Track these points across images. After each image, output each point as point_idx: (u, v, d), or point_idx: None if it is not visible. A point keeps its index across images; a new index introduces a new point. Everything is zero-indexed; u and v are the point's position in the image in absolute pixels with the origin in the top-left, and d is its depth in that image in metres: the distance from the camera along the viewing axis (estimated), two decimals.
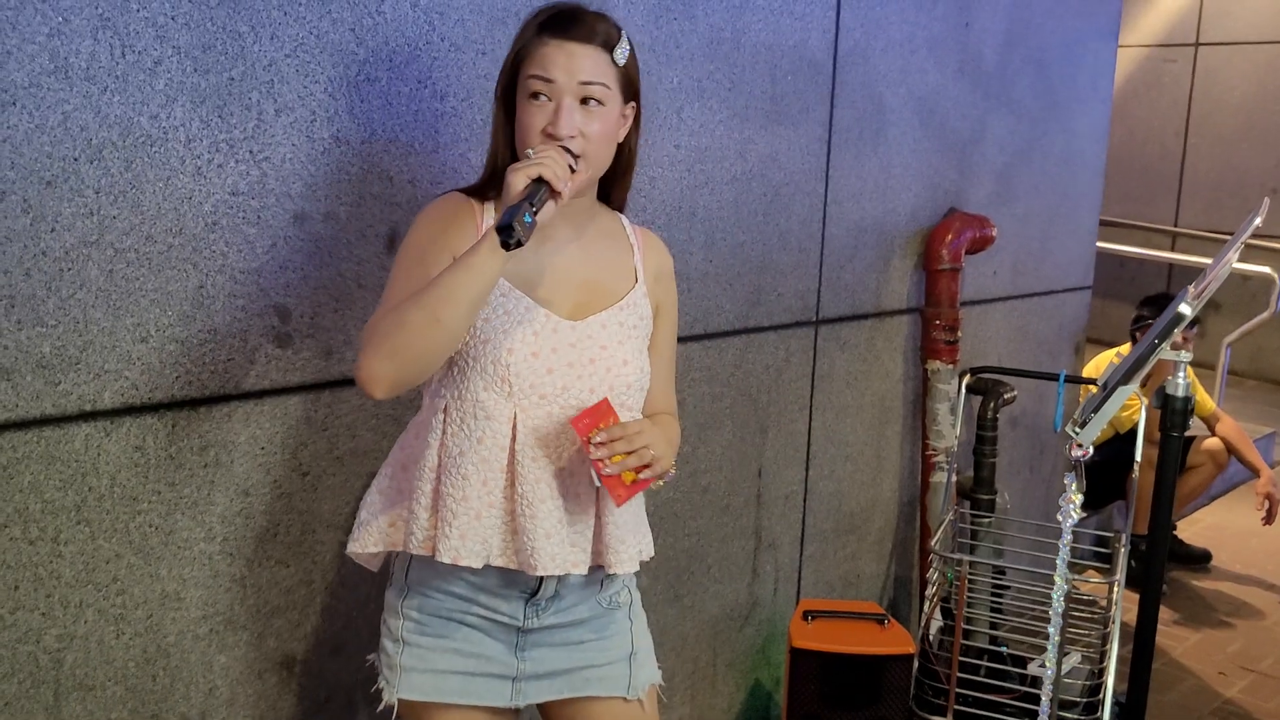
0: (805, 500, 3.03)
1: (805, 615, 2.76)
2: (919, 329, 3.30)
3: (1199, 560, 4.75)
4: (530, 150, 1.53)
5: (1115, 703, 2.76)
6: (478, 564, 1.57)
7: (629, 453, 1.52)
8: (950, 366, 3.24)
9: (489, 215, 1.62)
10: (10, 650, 1.64)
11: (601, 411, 1.54)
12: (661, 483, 1.62)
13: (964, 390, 3.27)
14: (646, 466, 1.55)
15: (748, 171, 2.65)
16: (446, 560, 1.56)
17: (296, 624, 1.96)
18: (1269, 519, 4.33)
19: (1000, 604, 3.18)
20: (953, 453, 3.26)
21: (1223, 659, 3.82)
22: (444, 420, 1.59)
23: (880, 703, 2.69)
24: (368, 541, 1.65)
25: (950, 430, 3.24)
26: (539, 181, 1.47)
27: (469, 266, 1.47)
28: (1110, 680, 2.75)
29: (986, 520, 3.24)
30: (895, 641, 2.71)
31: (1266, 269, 6.32)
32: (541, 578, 1.63)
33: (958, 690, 2.75)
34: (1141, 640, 2.40)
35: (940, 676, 2.82)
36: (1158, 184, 8.16)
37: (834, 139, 2.88)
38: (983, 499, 3.27)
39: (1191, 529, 5.09)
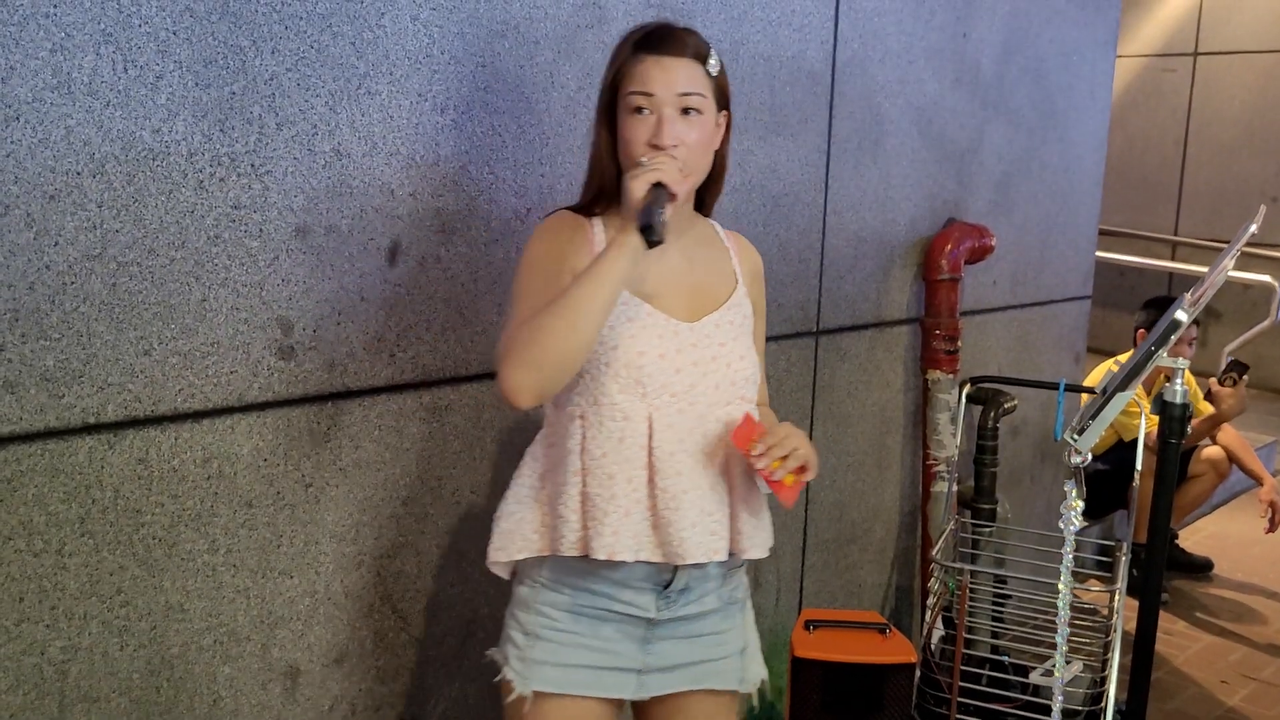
0: (806, 510, 3.03)
1: (807, 625, 2.76)
2: (919, 339, 3.30)
3: (1200, 569, 4.75)
4: (643, 160, 1.60)
5: (1117, 711, 2.76)
6: (631, 558, 1.64)
7: (784, 457, 1.61)
8: (950, 376, 3.25)
9: (599, 230, 1.71)
10: (15, 662, 1.64)
11: (750, 424, 1.64)
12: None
13: (964, 400, 3.27)
14: (804, 466, 1.64)
15: (747, 182, 2.66)
16: (602, 557, 1.62)
17: (300, 634, 1.97)
18: (1272, 527, 4.33)
19: (1002, 613, 3.18)
20: (953, 462, 3.26)
21: (1225, 667, 3.81)
22: (582, 426, 1.66)
23: (882, 712, 2.69)
24: (513, 550, 1.71)
25: (951, 440, 3.24)
26: (658, 186, 1.56)
27: (601, 274, 1.55)
28: (1112, 689, 2.75)
29: (988, 529, 3.24)
30: (897, 651, 2.70)
31: (1266, 278, 6.33)
32: (675, 570, 1.70)
33: (959, 699, 2.75)
34: (1141, 648, 2.40)
35: (942, 686, 2.82)
36: (1157, 193, 8.17)
37: (833, 150, 2.89)
38: (984, 508, 3.27)
39: (1193, 537, 5.08)
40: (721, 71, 1.72)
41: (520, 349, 1.53)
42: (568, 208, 1.75)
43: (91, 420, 1.67)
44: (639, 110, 1.64)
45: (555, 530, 1.68)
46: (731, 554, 1.73)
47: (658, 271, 1.70)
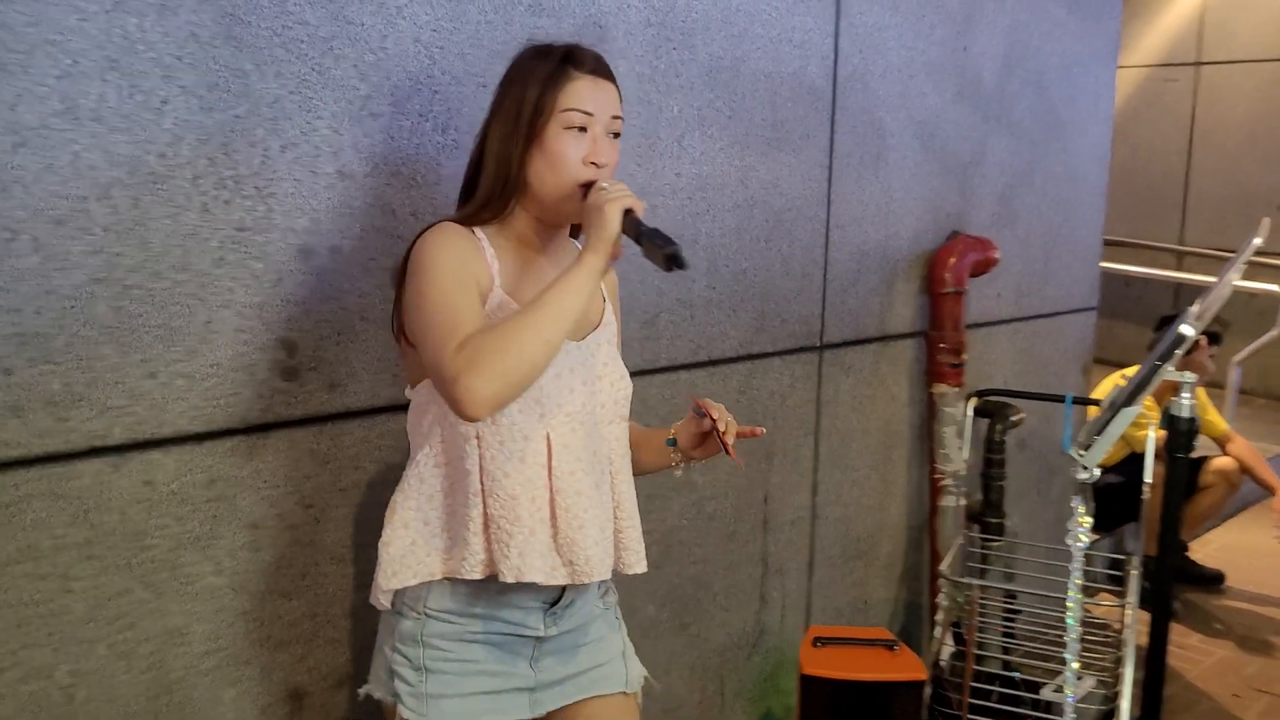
0: (813, 526, 3.02)
1: (815, 641, 2.75)
2: (924, 353, 3.30)
3: (1212, 581, 4.72)
4: (601, 184, 1.62)
5: None
6: (541, 579, 1.63)
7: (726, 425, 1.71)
8: (956, 389, 3.24)
9: (485, 242, 1.66)
10: (20, 687, 1.64)
11: (700, 405, 1.74)
12: None
13: (971, 413, 3.27)
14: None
15: (749, 198, 2.66)
16: (510, 579, 1.61)
17: (302, 657, 1.97)
18: None
19: (1012, 629, 3.16)
20: (960, 476, 3.25)
21: (1238, 681, 3.79)
22: (478, 446, 1.62)
23: None
24: (406, 576, 1.65)
25: (957, 454, 3.23)
26: (628, 213, 1.58)
27: (572, 289, 1.55)
28: (1125, 704, 2.73)
29: (996, 544, 3.23)
30: (907, 667, 2.69)
31: (1274, 287, 6.31)
32: (564, 587, 1.70)
33: (970, 716, 2.74)
34: (1154, 663, 2.39)
35: (952, 702, 2.80)
36: (1162, 203, 8.17)
37: (835, 164, 2.89)
38: (992, 522, 3.26)
39: (1204, 550, 5.06)
40: None
41: (489, 359, 1.48)
42: (448, 219, 1.69)
43: (96, 443, 1.68)
44: (579, 129, 1.64)
45: (454, 553, 1.64)
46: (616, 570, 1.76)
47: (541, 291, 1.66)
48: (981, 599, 2.92)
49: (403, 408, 2.03)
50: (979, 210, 3.48)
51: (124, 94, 1.64)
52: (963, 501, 3.26)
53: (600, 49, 1.77)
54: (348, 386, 1.95)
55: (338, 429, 1.95)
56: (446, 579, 1.66)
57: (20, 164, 1.56)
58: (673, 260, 1.52)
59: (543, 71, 1.64)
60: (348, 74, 1.88)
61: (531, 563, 1.62)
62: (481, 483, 1.62)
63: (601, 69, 1.67)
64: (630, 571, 1.75)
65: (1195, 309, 1.90)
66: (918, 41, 3.10)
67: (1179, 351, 1.85)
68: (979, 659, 2.96)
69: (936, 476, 3.27)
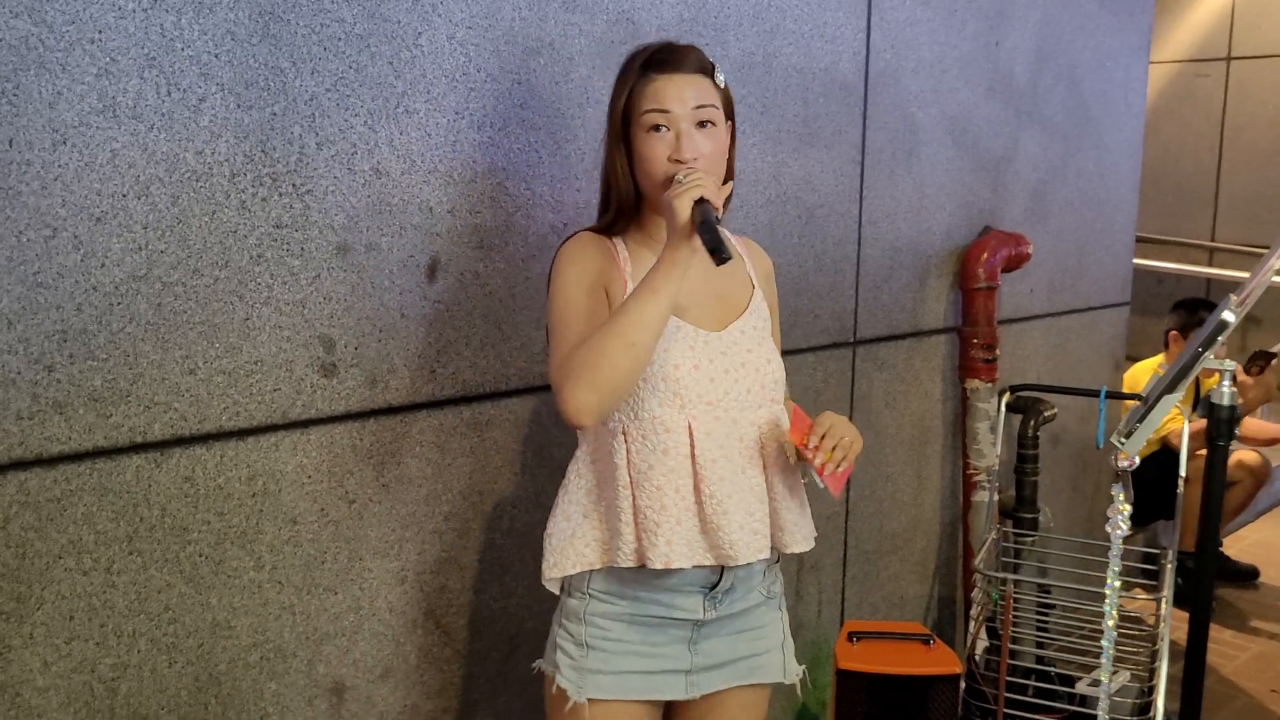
0: (847, 521, 3.02)
1: (850, 636, 2.74)
2: (957, 348, 3.29)
3: (1246, 577, 4.69)
4: (679, 177, 1.64)
5: None
6: (688, 565, 1.69)
7: (833, 447, 1.67)
8: (989, 385, 3.23)
9: (622, 249, 1.76)
10: (66, 680, 1.66)
11: (802, 418, 1.72)
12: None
13: (1004, 409, 3.25)
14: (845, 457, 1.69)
15: (782, 194, 2.66)
16: (659, 566, 1.67)
17: (345, 650, 1.98)
18: None
19: (1046, 623, 3.15)
20: (994, 471, 3.24)
21: (1274, 676, 3.76)
22: (625, 441, 1.70)
23: None
24: (566, 566, 1.75)
25: (991, 449, 3.22)
26: (700, 202, 1.58)
27: (654, 291, 1.60)
28: (1161, 699, 2.72)
29: (1030, 539, 3.21)
30: (941, 662, 2.68)
31: None
32: (722, 571, 1.75)
33: (1005, 711, 2.72)
34: (1193, 657, 2.37)
35: (987, 697, 2.79)
36: (1193, 199, 8.10)
37: (867, 160, 2.89)
38: (1025, 517, 3.24)
39: (1238, 545, 5.02)
40: (726, 84, 1.78)
41: (581, 371, 1.58)
42: (589, 229, 1.79)
43: (139, 439, 1.69)
44: (657, 129, 1.69)
45: (610, 544, 1.73)
46: (774, 549, 1.79)
47: (684, 285, 1.72)
48: (1016, 593, 2.90)
49: (442, 403, 2.05)
50: (1011, 206, 3.46)
51: (162, 91, 1.66)
52: (996, 496, 3.24)
53: (633, 45, 1.78)
54: (388, 383, 1.96)
55: (379, 425, 1.96)
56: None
57: (60, 161, 1.57)
58: (713, 254, 1.54)
59: (626, 80, 1.73)
60: (384, 71, 1.89)
61: (678, 549, 1.68)
62: (629, 475, 1.70)
63: (681, 63, 1.70)
64: (790, 551, 1.79)
65: (1236, 296, 1.88)
66: (949, 36, 3.09)
67: (1221, 338, 1.84)
68: (1014, 653, 2.95)
69: (970, 472, 3.26)
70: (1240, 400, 4.25)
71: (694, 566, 1.70)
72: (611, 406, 1.63)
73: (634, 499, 1.69)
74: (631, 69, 1.73)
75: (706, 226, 1.55)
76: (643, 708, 1.78)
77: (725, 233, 1.62)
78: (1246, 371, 4.26)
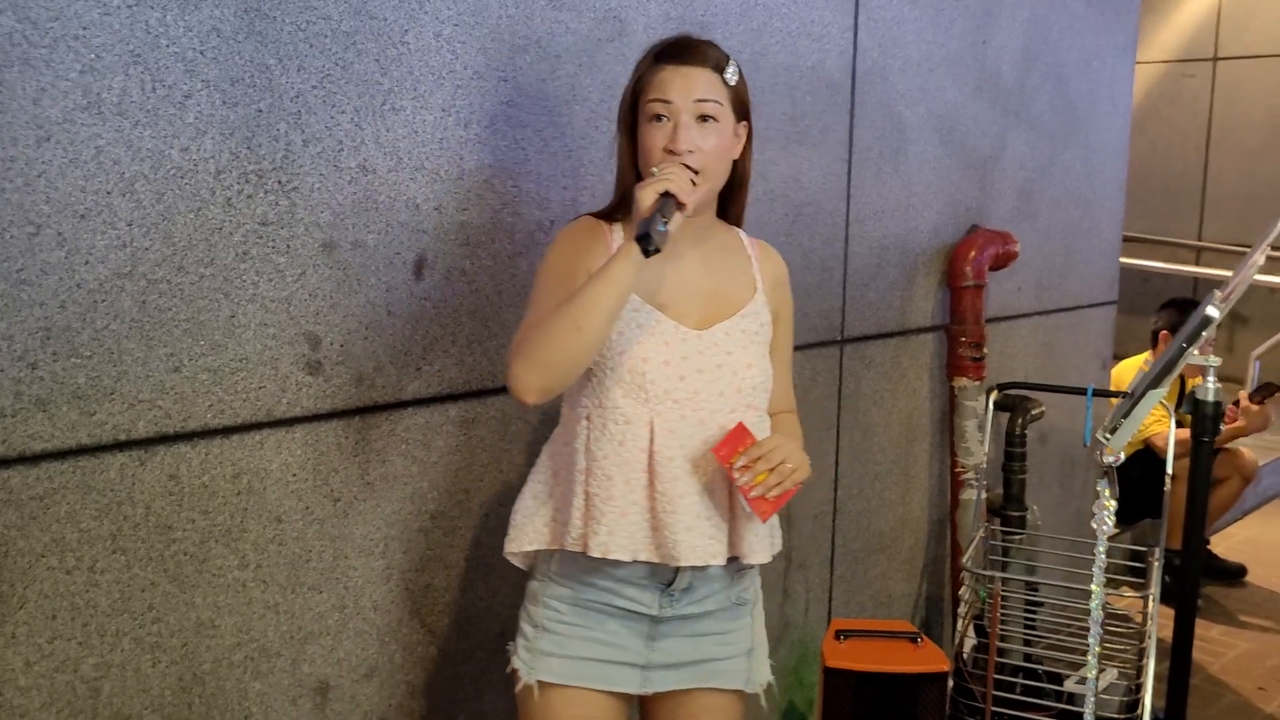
0: (834, 520, 3.02)
1: (838, 635, 2.74)
2: (944, 346, 3.29)
3: (1234, 575, 4.71)
4: (655, 169, 1.65)
5: (1154, 718, 2.73)
6: (626, 557, 1.69)
7: (769, 470, 1.63)
8: (977, 383, 3.23)
9: (618, 235, 1.76)
10: (49, 679, 1.65)
11: (739, 436, 1.65)
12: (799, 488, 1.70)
13: (991, 407, 3.26)
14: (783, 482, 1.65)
15: (769, 192, 2.66)
16: (597, 554, 1.67)
17: (330, 649, 1.97)
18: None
19: (1034, 621, 3.15)
20: (981, 470, 3.24)
21: (1261, 674, 3.77)
22: (587, 427, 1.71)
23: None
24: (524, 541, 1.77)
25: (978, 447, 3.22)
26: (666, 195, 1.59)
27: (606, 278, 1.60)
28: (1148, 697, 2.72)
29: (1018, 537, 3.22)
30: (929, 660, 2.68)
31: None
32: (677, 570, 1.74)
33: (993, 709, 2.73)
34: (1178, 655, 2.38)
35: (975, 695, 2.79)
36: (1180, 199, 8.12)
37: (854, 158, 2.89)
38: (1013, 515, 3.25)
39: (1225, 543, 5.04)
40: (740, 82, 1.76)
41: (529, 349, 1.59)
42: (592, 213, 1.80)
43: (123, 437, 1.68)
44: (657, 118, 1.69)
45: (561, 525, 1.74)
46: (734, 558, 1.76)
47: (674, 279, 1.75)
48: (1004, 591, 2.91)
49: (428, 401, 2.04)
50: (999, 204, 3.47)
51: (147, 88, 1.65)
52: (984, 495, 3.25)
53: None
54: (374, 380, 1.95)
55: (364, 423, 1.95)
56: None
57: (44, 158, 1.56)
58: (639, 240, 1.56)
59: (639, 68, 1.73)
60: (370, 68, 1.89)
61: (619, 541, 1.68)
62: (585, 461, 1.70)
63: (691, 56, 1.70)
64: (750, 561, 1.77)
65: (1220, 292, 1.89)
66: (937, 35, 3.10)
67: (1205, 334, 1.84)
68: (1002, 651, 2.95)
69: (958, 470, 3.26)
70: (1241, 424, 4.33)
71: (635, 560, 1.70)
72: (558, 388, 1.63)
73: (586, 484, 1.69)
74: (646, 58, 1.74)
75: (646, 218, 1.56)
76: (603, 699, 1.76)
77: (674, 229, 1.58)
78: (1251, 399, 4.34)
